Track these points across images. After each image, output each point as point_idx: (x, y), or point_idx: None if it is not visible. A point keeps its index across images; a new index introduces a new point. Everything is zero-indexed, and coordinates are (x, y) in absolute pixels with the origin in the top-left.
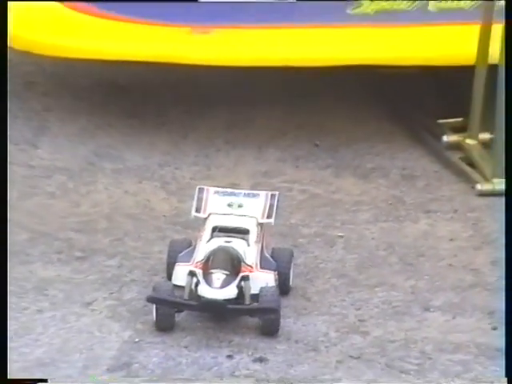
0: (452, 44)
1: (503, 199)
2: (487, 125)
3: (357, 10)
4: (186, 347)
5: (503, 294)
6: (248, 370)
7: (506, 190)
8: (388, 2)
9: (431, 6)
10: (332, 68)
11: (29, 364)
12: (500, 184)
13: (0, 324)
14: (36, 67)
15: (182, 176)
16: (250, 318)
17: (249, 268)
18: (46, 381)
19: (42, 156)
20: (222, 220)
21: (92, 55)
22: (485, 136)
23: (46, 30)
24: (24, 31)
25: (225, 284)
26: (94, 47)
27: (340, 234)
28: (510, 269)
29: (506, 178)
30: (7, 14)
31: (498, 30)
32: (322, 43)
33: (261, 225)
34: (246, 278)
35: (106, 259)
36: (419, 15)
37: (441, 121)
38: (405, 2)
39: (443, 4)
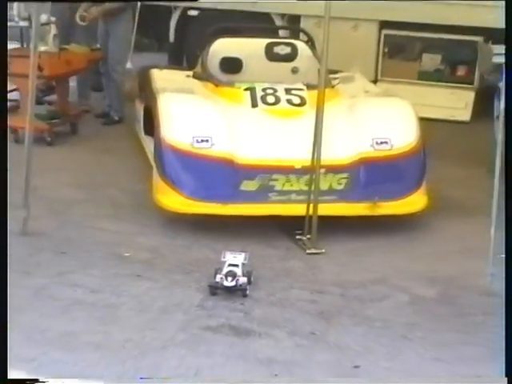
0: (295, 208)
1: (317, 255)
2: (309, 231)
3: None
4: (220, 300)
5: (329, 288)
6: (239, 308)
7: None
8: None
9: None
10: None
11: (169, 303)
12: (311, 250)
13: (0, 324)
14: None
15: (219, 252)
16: (239, 292)
17: (239, 276)
18: (45, 381)
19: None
20: (231, 261)
21: (191, 211)
22: (308, 236)
23: (176, 203)
24: (168, 202)
25: (231, 281)
26: (190, 208)
27: (269, 265)
28: (510, 271)
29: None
30: (7, 14)
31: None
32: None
33: (243, 263)
34: (238, 279)
35: (197, 274)
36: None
37: (296, 231)
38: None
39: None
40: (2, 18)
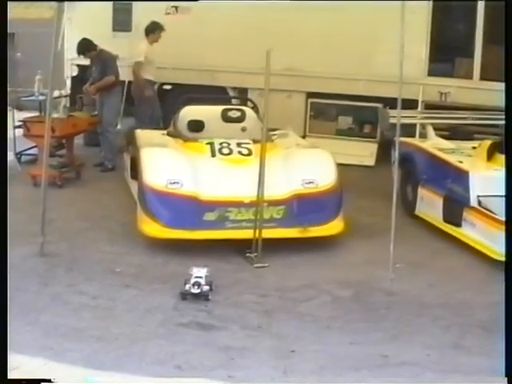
0: (245, 233)
1: (262, 268)
2: (256, 250)
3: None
4: (188, 304)
5: (274, 295)
6: (203, 308)
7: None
8: None
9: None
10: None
11: (151, 306)
12: (258, 264)
13: (0, 325)
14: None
15: (188, 267)
16: (203, 297)
17: (203, 285)
18: (47, 381)
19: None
20: (197, 273)
21: (167, 236)
22: (255, 254)
23: (155, 230)
24: (149, 230)
25: (197, 289)
26: (166, 234)
27: (226, 276)
28: (510, 271)
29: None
30: (7, 13)
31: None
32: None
33: (206, 275)
34: (202, 287)
35: (172, 284)
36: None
37: (246, 250)
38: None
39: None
40: (2, 19)
